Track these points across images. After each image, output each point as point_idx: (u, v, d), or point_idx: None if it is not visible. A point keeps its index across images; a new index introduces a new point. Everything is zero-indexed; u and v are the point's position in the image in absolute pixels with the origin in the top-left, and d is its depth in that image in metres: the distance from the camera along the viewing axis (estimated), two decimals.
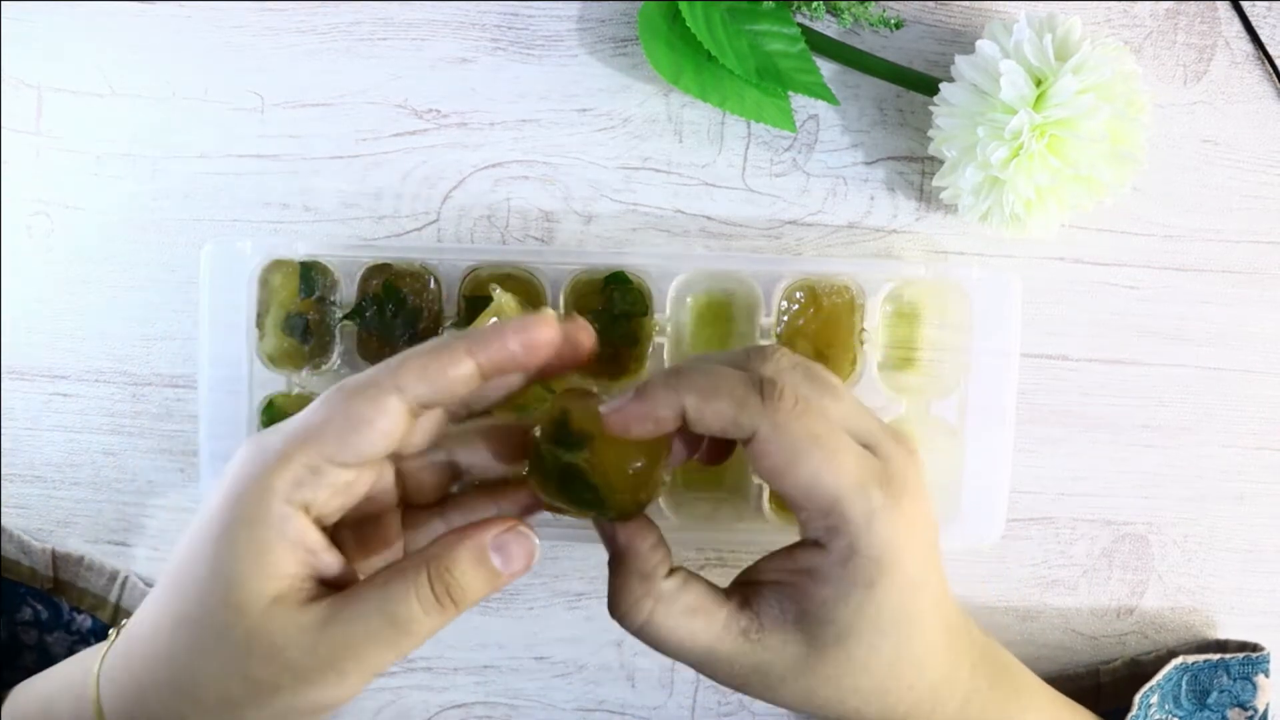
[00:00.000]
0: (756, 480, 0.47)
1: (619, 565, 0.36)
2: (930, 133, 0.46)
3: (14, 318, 0.51)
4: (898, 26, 0.48)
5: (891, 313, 0.48)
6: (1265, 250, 0.49)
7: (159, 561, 0.51)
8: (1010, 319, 0.46)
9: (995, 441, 0.46)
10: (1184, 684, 0.47)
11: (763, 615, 0.35)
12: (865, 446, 0.35)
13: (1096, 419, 0.50)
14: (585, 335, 0.35)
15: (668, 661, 0.51)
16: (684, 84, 0.46)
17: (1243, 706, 0.47)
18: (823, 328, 0.47)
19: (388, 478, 0.37)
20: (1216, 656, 0.47)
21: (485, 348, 0.33)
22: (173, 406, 0.51)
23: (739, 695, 0.51)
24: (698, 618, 0.35)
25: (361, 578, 0.34)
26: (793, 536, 0.36)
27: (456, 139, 0.49)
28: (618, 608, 0.35)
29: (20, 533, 0.50)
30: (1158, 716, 0.46)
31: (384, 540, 0.37)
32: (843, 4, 0.47)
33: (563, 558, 0.51)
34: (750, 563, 0.37)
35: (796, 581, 0.35)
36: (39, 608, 0.49)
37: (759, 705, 0.51)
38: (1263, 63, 0.49)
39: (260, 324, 0.47)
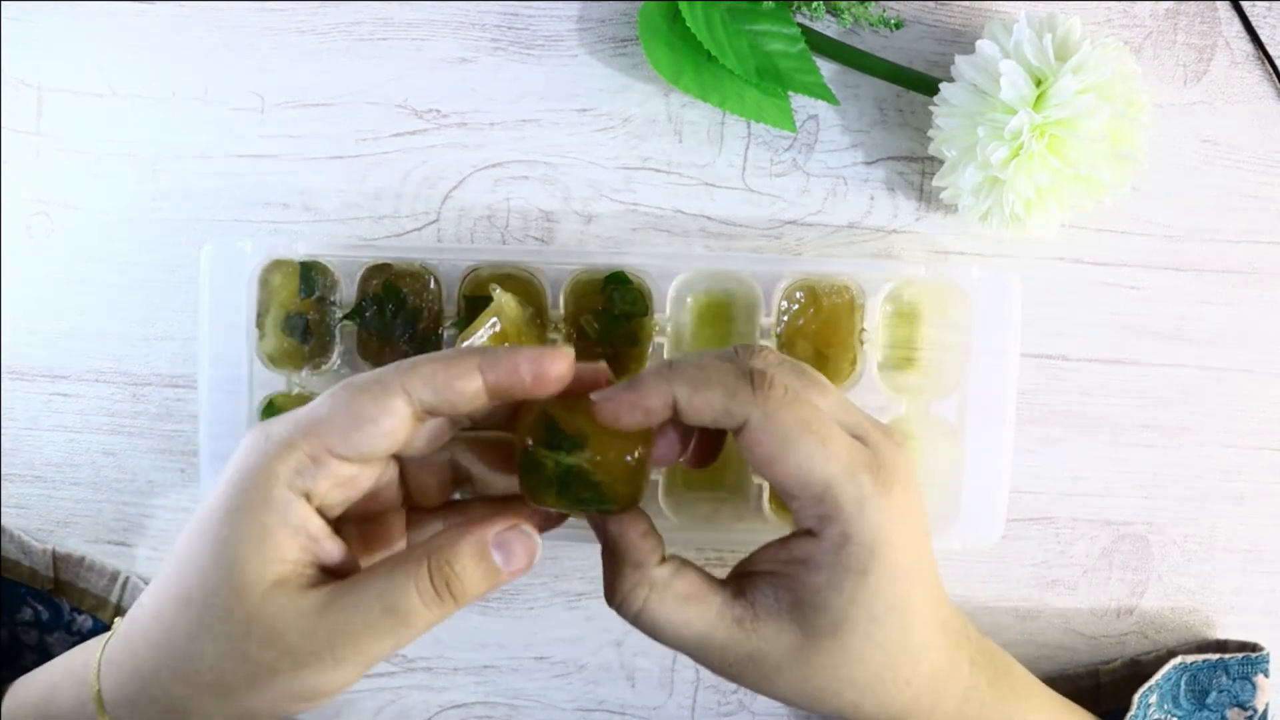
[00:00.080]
0: (756, 480, 0.47)
1: (611, 555, 0.36)
2: (930, 133, 0.46)
3: (14, 318, 0.51)
4: (898, 26, 0.48)
5: (891, 313, 0.48)
6: (1265, 250, 0.49)
7: (159, 561, 0.51)
8: (1010, 319, 0.46)
9: (995, 441, 0.46)
10: (1183, 684, 0.47)
11: (757, 605, 0.35)
12: (855, 438, 0.35)
13: (1096, 419, 0.50)
14: (598, 378, 0.35)
15: (668, 661, 0.51)
16: (684, 84, 0.46)
17: (1242, 706, 0.47)
18: (823, 328, 0.47)
19: (392, 476, 0.37)
20: (1216, 656, 0.47)
21: (496, 368, 0.33)
22: (173, 406, 0.51)
23: (739, 695, 0.51)
24: (691, 605, 0.35)
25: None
26: None
27: (456, 139, 0.49)
28: (614, 596, 0.36)
29: (20, 533, 0.50)
30: (1157, 716, 0.46)
31: (387, 538, 0.38)
32: (843, 4, 0.47)
33: (563, 558, 0.51)
34: None
35: (790, 571, 0.35)
36: (39, 608, 0.49)
37: (759, 705, 0.51)
38: (1263, 63, 0.49)
39: (260, 324, 0.47)
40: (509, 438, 0.38)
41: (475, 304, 0.46)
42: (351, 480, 0.34)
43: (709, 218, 0.50)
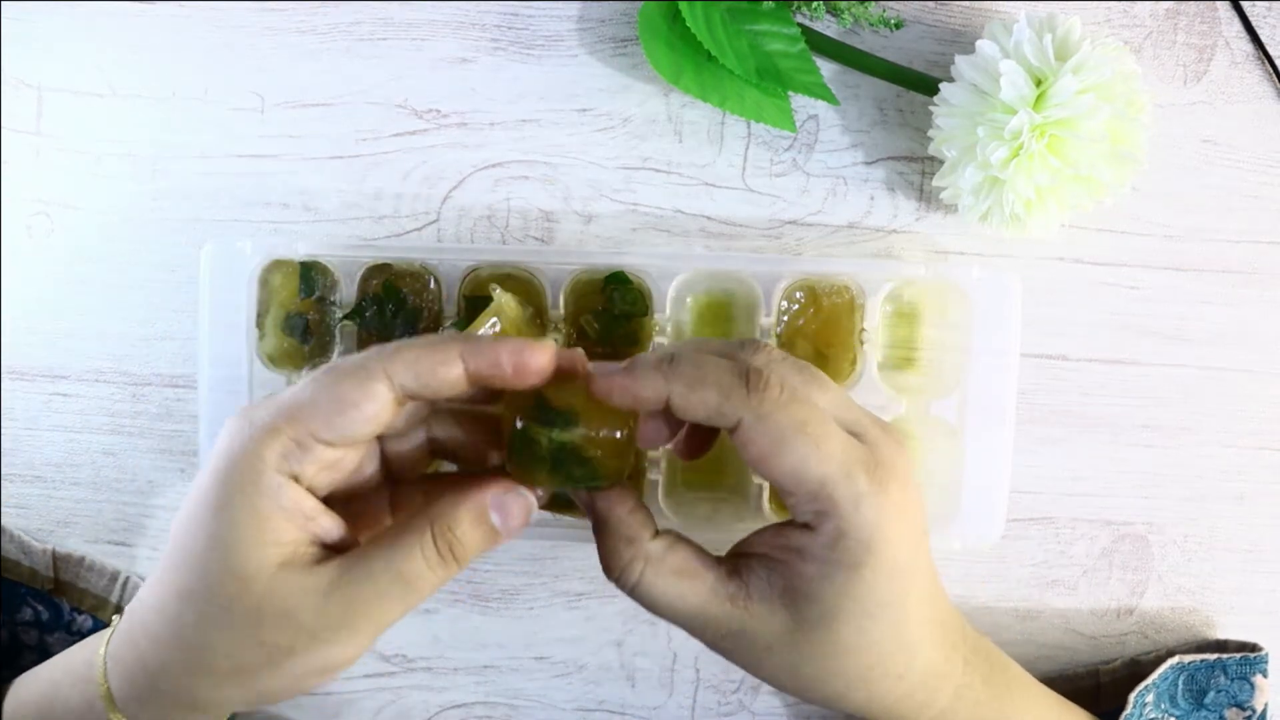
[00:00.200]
0: (756, 480, 0.47)
1: (603, 532, 0.36)
2: (930, 133, 0.46)
3: (14, 318, 0.51)
4: (898, 26, 0.48)
5: (891, 313, 0.48)
6: (1265, 250, 0.49)
7: (159, 561, 0.51)
8: (1010, 319, 0.46)
9: (995, 441, 0.46)
10: (1180, 684, 0.47)
11: (751, 585, 0.35)
12: (854, 435, 0.35)
13: (1096, 419, 0.50)
14: (577, 367, 0.35)
15: (668, 661, 0.51)
16: (684, 84, 0.46)
17: (1240, 706, 0.47)
18: (823, 328, 0.47)
19: (374, 455, 0.37)
20: (1214, 656, 0.47)
21: (478, 356, 0.34)
22: (173, 406, 0.51)
23: (739, 695, 0.51)
24: (685, 580, 0.35)
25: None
26: None
27: (456, 139, 0.49)
28: (611, 570, 0.36)
29: (20, 533, 0.50)
30: (1153, 716, 0.46)
31: (373, 515, 0.38)
32: (843, 4, 0.47)
33: (563, 558, 0.51)
34: None
35: (785, 558, 0.35)
36: (39, 608, 0.49)
37: (759, 705, 0.51)
38: (1263, 63, 0.49)
39: (260, 324, 0.47)
40: (485, 410, 0.38)
41: (475, 304, 0.46)
42: (336, 463, 0.35)
43: (709, 218, 0.50)
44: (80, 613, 0.50)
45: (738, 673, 0.51)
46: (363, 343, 0.47)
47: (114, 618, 0.37)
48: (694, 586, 0.35)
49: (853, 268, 0.47)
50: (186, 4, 0.49)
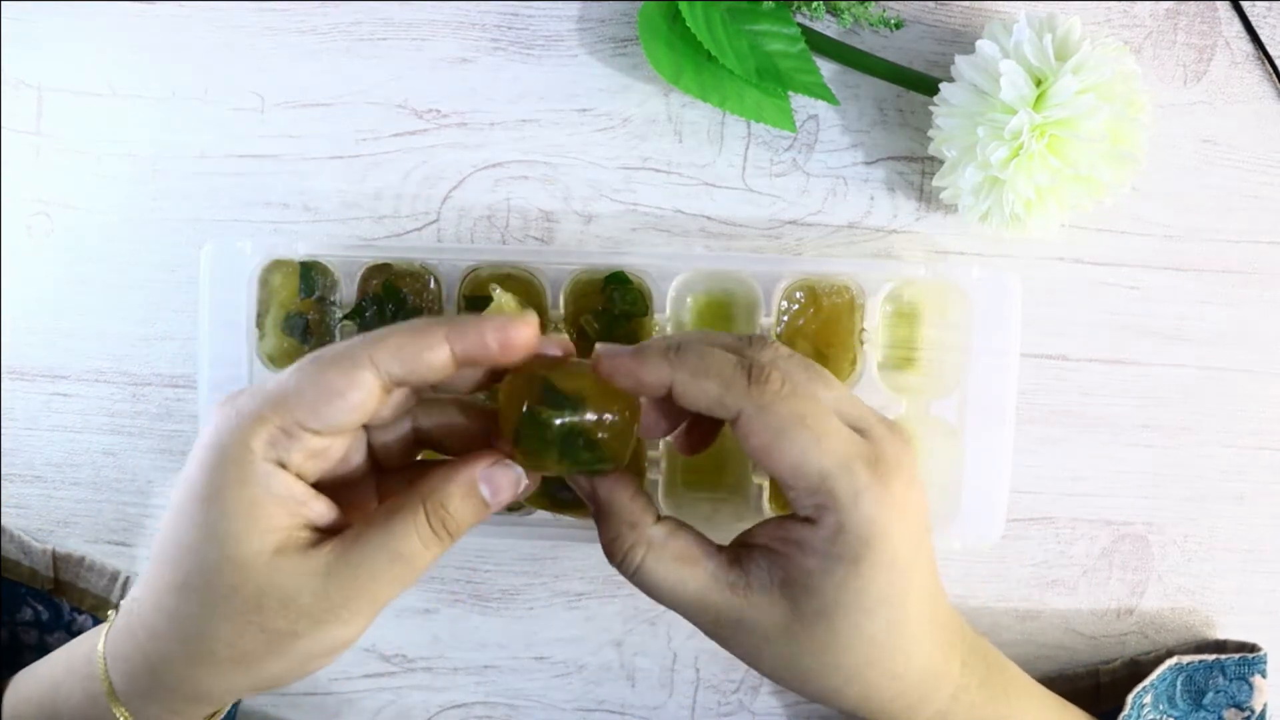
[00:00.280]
0: (757, 480, 0.47)
1: (604, 518, 0.36)
2: (930, 133, 0.46)
3: (14, 318, 0.51)
4: (898, 26, 0.48)
5: (891, 313, 0.48)
6: (1265, 250, 0.49)
7: (151, 555, 0.51)
8: (1010, 319, 0.46)
9: (995, 441, 0.46)
10: (1179, 684, 0.47)
11: (751, 575, 0.35)
12: (857, 430, 0.35)
13: (1096, 419, 0.50)
14: (562, 348, 0.36)
15: (668, 661, 0.51)
16: (684, 84, 0.46)
17: (1239, 707, 0.47)
18: (823, 328, 0.47)
19: (361, 443, 0.38)
20: (1213, 657, 0.47)
21: (463, 338, 0.34)
22: (173, 406, 0.51)
23: (739, 695, 0.51)
24: (685, 566, 0.36)
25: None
26: None
27: (456, 139, 0.49)
28: (614, 555, 0.36)
29: (20, 533, 0.50)
30: (1152, 716, 0.46)
31: (360, 503, 0.38)
32: (843, 4, 0.47)
33: (563, 558, 0.51)
34: None
35: (786, 550, 0.35)
36: (39, 608, 0.49)
37: (759, 705, 0.51)
38: (1263, 63, 0.49)
39: (260, 324, 0.47)
40: (471, 399, 0.38)
41: (475, 304, 0.46)
42: (323, 452, 0.35)
43: (709, 218, 0.50)
44: (80, 613, 0.50)
45: (738, 673, 0.51)
46: None
47: (110, 613, 0.37)
48: (695, 572, 0.35)
49: (853, 268, 0.47)
50: (186, 4, 0.49)
